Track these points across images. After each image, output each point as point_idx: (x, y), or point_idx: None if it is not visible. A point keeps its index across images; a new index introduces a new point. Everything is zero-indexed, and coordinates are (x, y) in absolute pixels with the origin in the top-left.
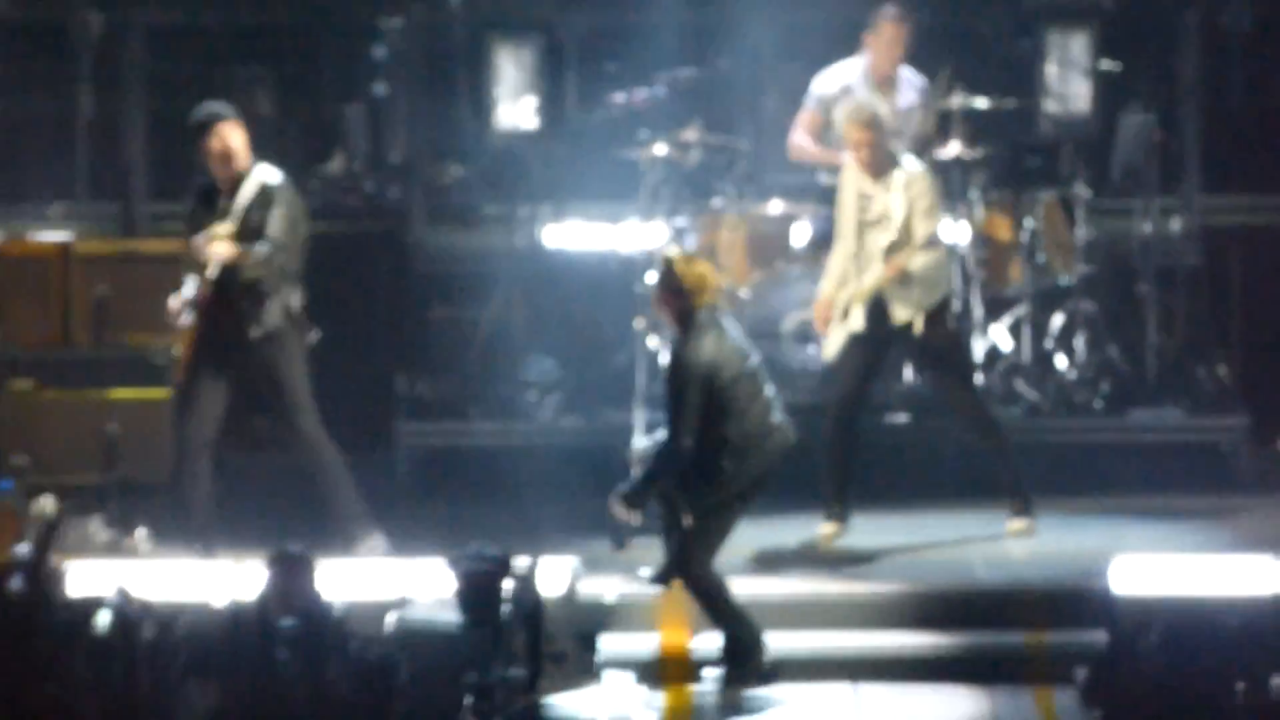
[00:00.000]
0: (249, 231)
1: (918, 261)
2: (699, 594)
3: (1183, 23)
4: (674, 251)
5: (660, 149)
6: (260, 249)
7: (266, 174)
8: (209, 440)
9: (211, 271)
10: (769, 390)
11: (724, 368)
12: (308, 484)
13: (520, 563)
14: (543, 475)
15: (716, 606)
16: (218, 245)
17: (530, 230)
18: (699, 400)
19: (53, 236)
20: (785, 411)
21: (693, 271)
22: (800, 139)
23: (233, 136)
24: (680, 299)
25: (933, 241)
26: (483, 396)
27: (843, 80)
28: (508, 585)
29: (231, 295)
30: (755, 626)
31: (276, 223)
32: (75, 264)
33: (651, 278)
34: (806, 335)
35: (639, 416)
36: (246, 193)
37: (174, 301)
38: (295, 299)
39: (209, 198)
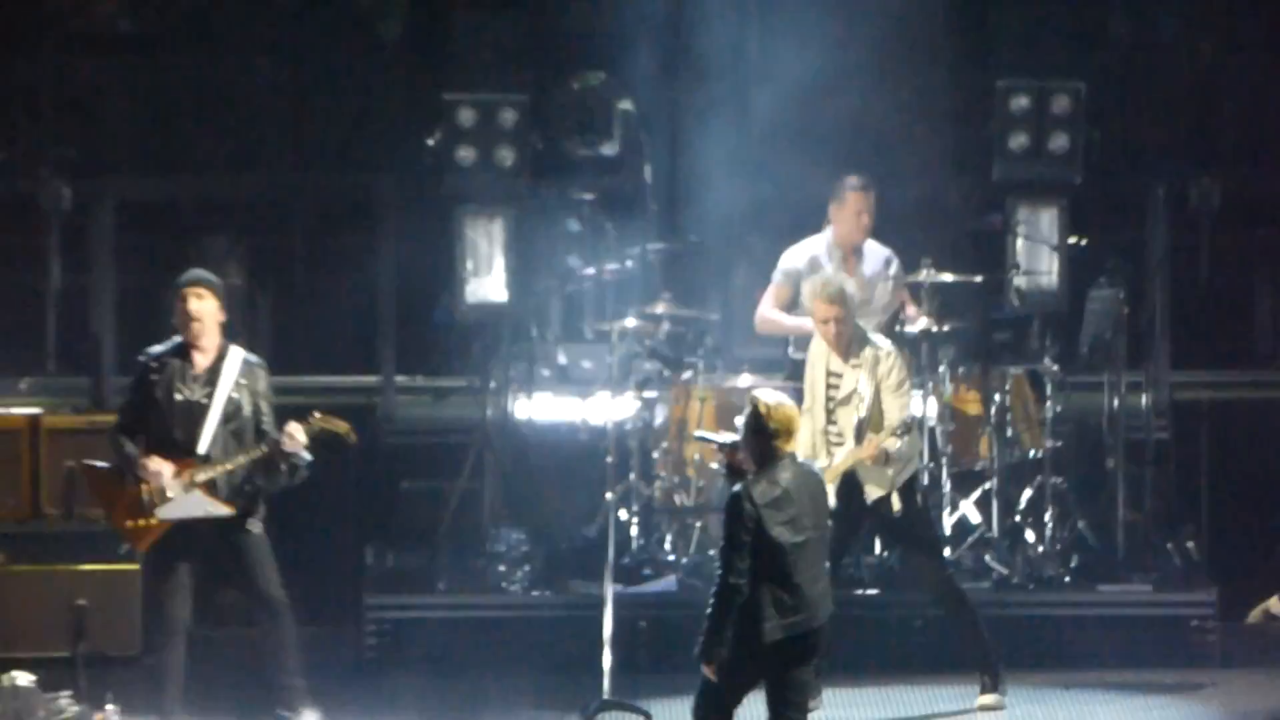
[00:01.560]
0: (232, 408)
1: (894, 445)
2: None
3: (1151, 199)
4: (762, 393)
5: (630, 321)
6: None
7: (245, 354)
8: (188, 618)
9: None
10: (814, 561)
11: (775, 517)
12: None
13: None
14: (513, 648)
15: None
16: (300, 434)
17: (500, 402)
18: (749, 539)
19: (21, 411)
20: (828, 594)
21: (779, 414)
22: (768, 312)
23: (201, 304)
24: (763, 440)
25: (904, 424)
26: (452, 569)
27: (810, 253)
28: None
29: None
30: None
31: (269, 412)
32: (44, 437)
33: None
34: None
35: (610, 590)
36: (229, 375)
37: (162, 478)
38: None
39: (180, 354)
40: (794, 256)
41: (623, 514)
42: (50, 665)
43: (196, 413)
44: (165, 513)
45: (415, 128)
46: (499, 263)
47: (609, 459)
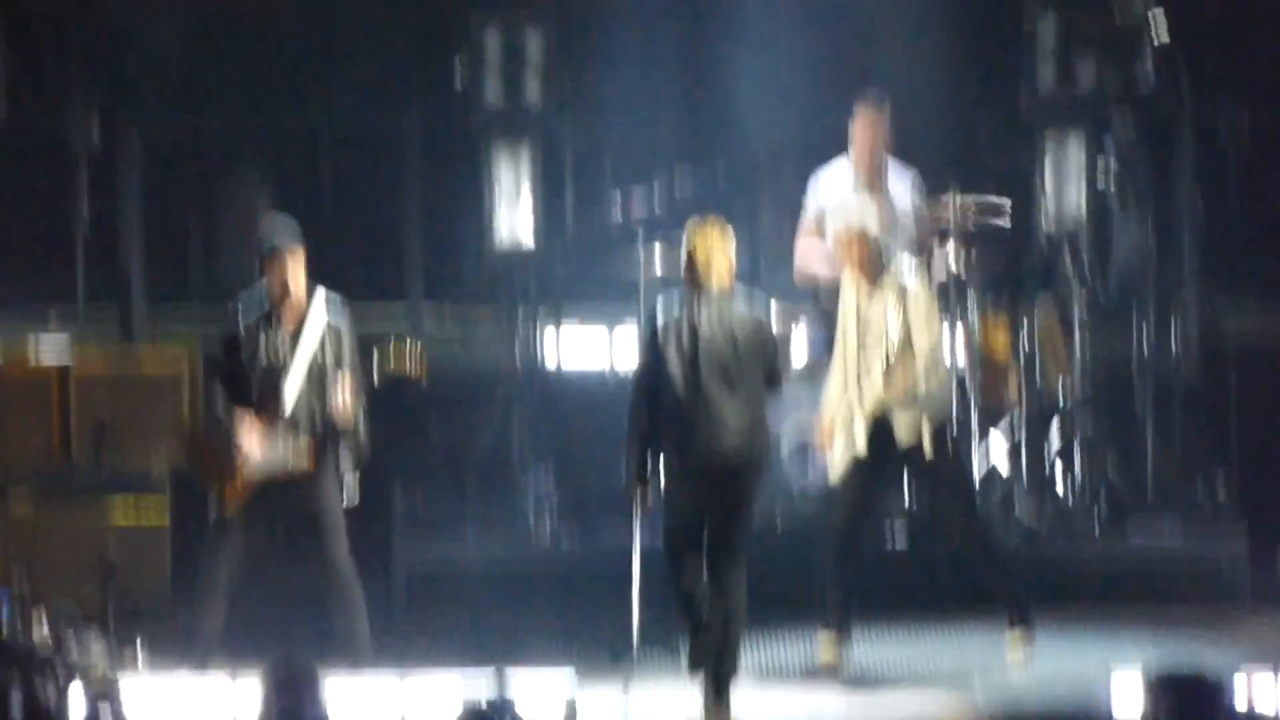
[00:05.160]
0: (316, 367)
1: (920, 381)
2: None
3: (1180, 132)
4: (695, 230)
5: (659, 259)
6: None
7: (329, 302)
8: (233, 583)
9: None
10: (721, 397)
11: (674, 345)
12: (314, 605)
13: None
14: (542, 591)
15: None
16: (348, 396)
17: (528, 342)
18: (649, 364)
19: (52, 346)
20: (744, 434)
21: (691, 235)
22: (803, 258)
23: (293, 267)
24: (687, 266)
25: (934, 358)
26: (481, 512)
27: (834, 181)
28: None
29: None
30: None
31: (352, 360)
32: (74, 386)
33: None
34: (805, 450)
35: (638, 533)
36: (314, 327)
37: (246, 439)
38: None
39: (267, 319)
40: (819, 187)
41: None
42: (78, 611)
43: (279, 370)
44: (250, 472)
45: (443, 63)
46: (526, 196)
47: None
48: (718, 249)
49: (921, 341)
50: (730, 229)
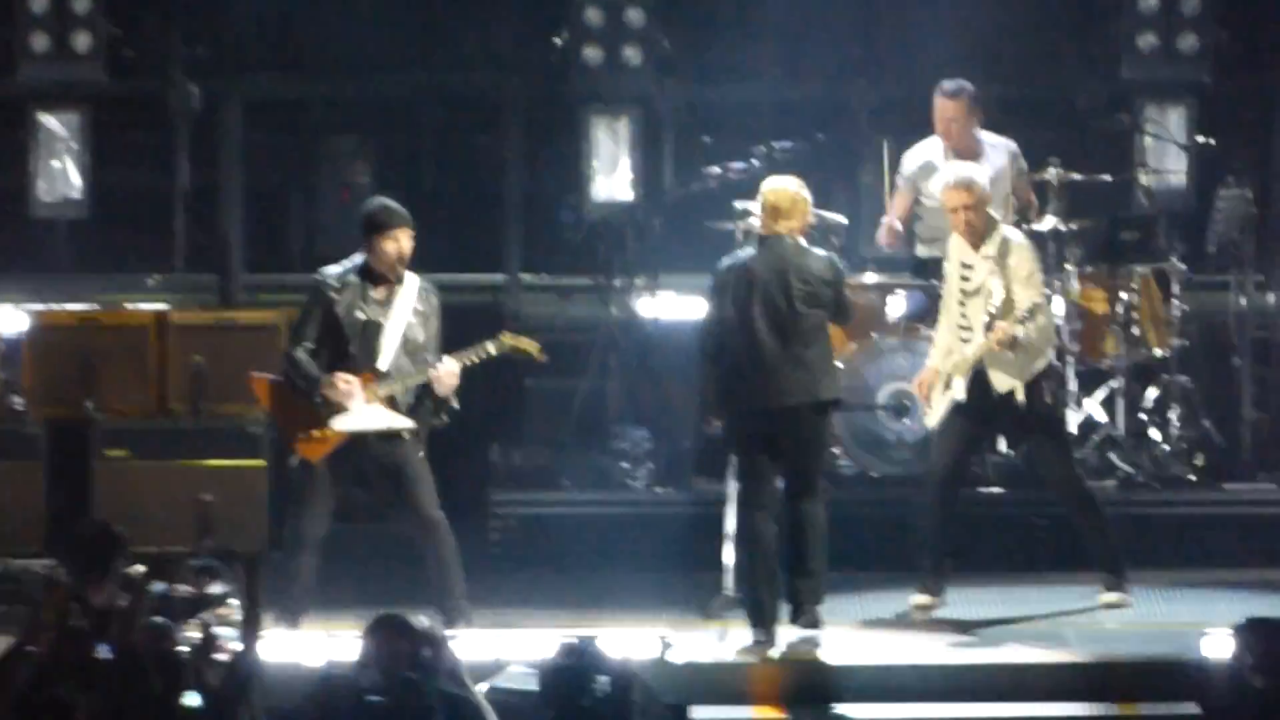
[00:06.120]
0: (411, 332)
1: (1020, 331)
2: None
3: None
4: (771, 180)
5: (755, 220)
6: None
7: (420, 279)
8: (321, 534)
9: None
10: (774, 338)
11: (734, 288)
12: (406, 557)
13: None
14: (636, 545)
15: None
16: (455, 370)
17: (625, 301)
18: (716, 304)
19: (148, 307)
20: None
21: (769, 194)
22: (887, 226)
23: (410, 243)
24: (762, 219)
25: (1036, 310)
26: (576, 466)
27: (925, 155)
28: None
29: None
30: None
31: (437, 338)
32: (171, 333)
33: None
34: (902, 407)
35: (732, 487)
36: (407, 298)
37: (351, 393)
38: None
39: (364, 277)
40: (911, 160)
41: None
42: (175, 559)
43: (375, 332)
44: (344, 424)
45: (543, 27)
46: (624, 162)
47: None
48: (788, 199)
49: (1022, 295)
50: (805, 187)
